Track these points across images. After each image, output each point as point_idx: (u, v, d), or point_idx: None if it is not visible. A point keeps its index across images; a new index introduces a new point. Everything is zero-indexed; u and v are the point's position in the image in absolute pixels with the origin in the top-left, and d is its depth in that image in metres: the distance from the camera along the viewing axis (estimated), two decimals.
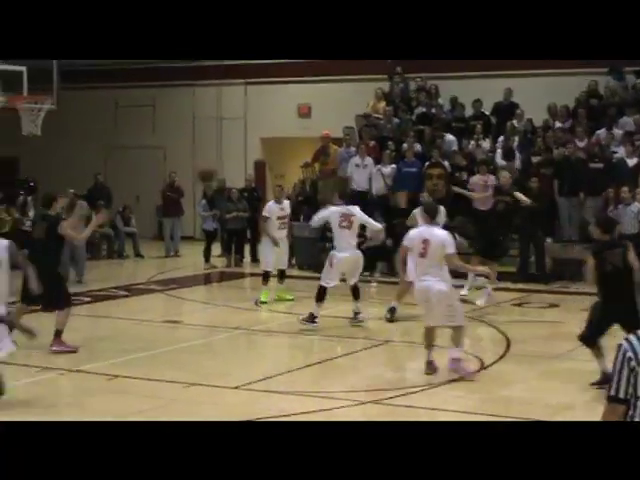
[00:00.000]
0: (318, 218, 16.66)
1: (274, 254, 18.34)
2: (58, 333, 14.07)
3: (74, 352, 13.93)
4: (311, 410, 10.74)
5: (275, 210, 18.46)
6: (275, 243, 18.17)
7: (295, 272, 22.58)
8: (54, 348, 13.97)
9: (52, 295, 13.70)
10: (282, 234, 18.49)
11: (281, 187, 19.76)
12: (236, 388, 11.84)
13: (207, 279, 23.56)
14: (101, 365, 13.18)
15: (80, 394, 11.89)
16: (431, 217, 12.79)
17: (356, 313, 16.16)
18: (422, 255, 12.35)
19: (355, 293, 16.18)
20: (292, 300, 18.36)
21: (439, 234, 12.46)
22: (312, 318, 15.67)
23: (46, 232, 14.22)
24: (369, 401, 11.40)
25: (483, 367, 13.09)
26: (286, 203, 18.84)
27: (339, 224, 16.00)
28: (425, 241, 12.34)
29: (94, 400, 11.44)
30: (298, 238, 23.03)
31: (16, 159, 31.08)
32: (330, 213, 16.23)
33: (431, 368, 12.57)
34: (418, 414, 10.74)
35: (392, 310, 16.47)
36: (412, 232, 12.82)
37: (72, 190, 22.48)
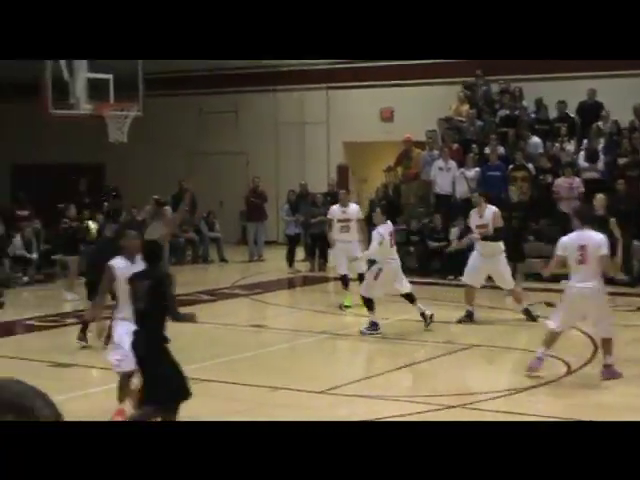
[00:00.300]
0: (374, 250, 15.98)
1: (344, 257, 18.39)
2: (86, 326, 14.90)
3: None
4: (396, 414, 10.72)
5: (337, 213, 18.72)
6: (330, 244, 18.37)
7: None
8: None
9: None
10: (344, 237, 18.53)
11: (347, 192, 19.98)
12: (322, 392, 11.86)
13: (291, 283, 23.65)
14: (187, 369, 13.22)
15: None
16: (583, 222, 12.44)
17: (423, 315, 16.06)
18: (581, 262, 12.08)
19: (410, 298, 16.14)
20: (349, 307, 18.24)
21: (595, 237, 12.18)
22: (374, 326, 15.67)
23: (115, 234, 14.86)
24: (454, 405, 11.34)
25: (570, 371, 12.94)
26: (352, 207, 18.82)
27: (390, 243, 15.89)
28: (582, 247, 12.09)
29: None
30: None
31: (102, 166, 31.55)
32: (383, 236, 15.79)
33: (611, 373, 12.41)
34: (504, 418, 10.66)
35: (470, 315, 16.49)
36: (565, 240, 12.47)
37: (156, 196, 22.73)
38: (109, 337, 13.78)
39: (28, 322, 17.74)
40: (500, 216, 16.58)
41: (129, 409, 10.19)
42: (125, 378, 10.49)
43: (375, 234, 15.77)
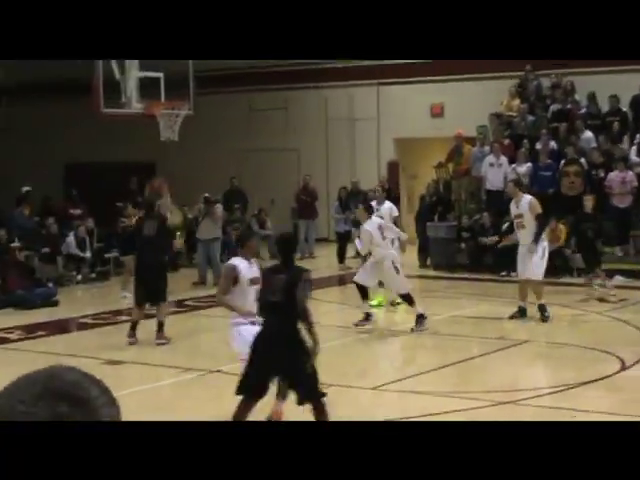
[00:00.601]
0: (363, 244, 16.14)
1: None
2: (162, 326, 14.93)
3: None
4: (449, 410, 10.70)
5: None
6: None
7: (430, 272, 22.51)
8: (162, 341, 14.80)
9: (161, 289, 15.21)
10: None
11: (379, 190, 19.96)
12: (374, 389, 11.86)
13: (341, 280, 23.64)
14: (235, 366, 13.32)
15: (219, 394, 12.05)
16: None
17: (368, 315, 16.05)
18: None
19: (363, 291, 16.19)
20: (380, 306, 18.12)
21: None
22: (421, 318, 15.58)
23: (156, 230, 15.34)
24: (507, 402, 11.29)
25: (624, 367, 12.82)
26: (387, 206, 18.71)
27: (382, 236, 15.83)
28: None
29: (233, 400, 11.58)
30: (433, 239, 22.97)
31: (153, 164, 31.73)
32: (371, 230, 15.79)
33: None
34: (557, 415, 10.59)
35: (522, 311, 16.26)
36: None
37: (206, 194, 22.88)
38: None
39: (82, 320, 17.90)
40: (537, 204, 16.19)
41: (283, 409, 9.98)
42: None
43: (363, 233, 15.85)
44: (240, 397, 9.58)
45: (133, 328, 15.07)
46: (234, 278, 10.40)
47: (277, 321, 9.34)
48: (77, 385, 1.76)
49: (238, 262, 10.50)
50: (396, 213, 18.85)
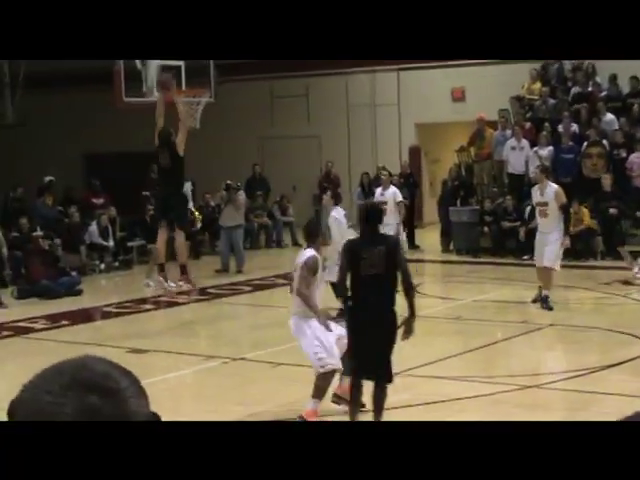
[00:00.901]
0: (337, 235, 15.41)
1: None
2: (184, 269, 15.24)
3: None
4: (471, 395, 10.73)
5: (376, 196, 18.94)
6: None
7: (453, 257, 22.51)
8: (182, 283, 15.25)
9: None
10: (384, 220, 18.53)
11: (389, 175, 20.21)
12: (398, 374, 11.88)
13: None
14: (264, 353, 13.41)
15: (243, 382, 12.13)
16: None
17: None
18: None
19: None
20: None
21: None
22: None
23: (170, 160, 17.53)
24: (531, 386, 11.32)
25: None
26: (390, 191, 18.81)
27: (347, 225, 15.62)
28: None
29: (256, 387, 11.66)
30: (455, 223, 22.95)
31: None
32: (339, 221, 15.57)
33: None
34: (581, 398, 10.61)
35: (545, 299, 15.85)
36: None
37: (229, 181, 22.92)
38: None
39: (106, 309, 17.99)
40: (563, 194, 16.00)
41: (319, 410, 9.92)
42: (329, 377, 10.05)
43: (331, 220, 15.48)
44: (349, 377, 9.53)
45: (162, 269, 17.36)
46: (316, 270, 10.07)
47: (378, 294, 9.16)
48: (107, 376, 1.74)
49: (312, 252, 10.15)
50: (399, 198, 18.85)
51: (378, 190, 19.21)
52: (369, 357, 9.28)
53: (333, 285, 13.79)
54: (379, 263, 9.09)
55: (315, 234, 10.49)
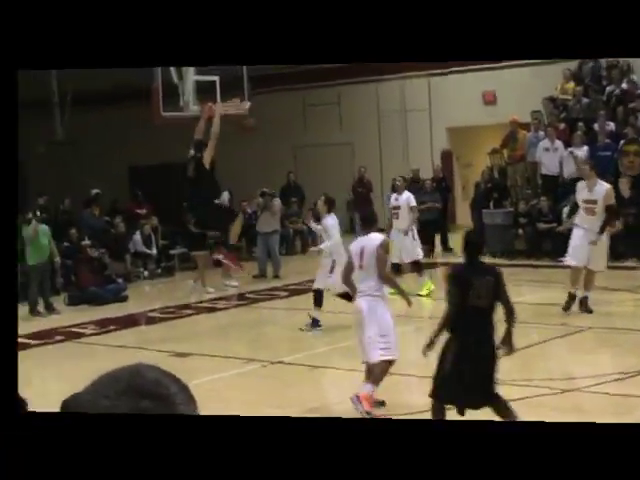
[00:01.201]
0: (337, 240, 15.55)
1: (399, 245, 18.27)
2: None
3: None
4: (510, 399, 10.70)
5: (391, 200, 19.15)
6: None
7: (487, 260, 22.43)
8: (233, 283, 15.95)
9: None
10: (395, 224, 18.74)
11: (401, 180, 20.09)
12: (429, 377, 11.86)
13: (399, 270, 23.63)
14: (301, 356, 13.50)
15: (282, 385, 12.18)
16: None
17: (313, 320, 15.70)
18: None
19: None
20: (427, 296, 18.01)
21: None
22: (316, 323, 15.53)
23: (195, 172, 17.77)
24: (570, 389, 11.25)
25: None
26: (404, 196, 18.78)
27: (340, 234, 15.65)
28: None
29: (294, 390, 11.71)
30: (489, 226, 22.91)
31: (212, 162, 31.91)
32: (334, 223, 15.58)
33: None
34: (624, 402, 10.54)
35: (585, 301, 15.62)
36: None
37: (265, 189, 23.15)
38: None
39: (150, 314, 18.41)
40: (613, 194, 15.65)
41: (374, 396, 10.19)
42: (387, 366, 10.37)
43: (330, 226, 15.37)
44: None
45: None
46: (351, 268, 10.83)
47: (482, 328, 8.83)
48: (158, 383, 1.85)
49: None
50: (413, 203, 18.82)
51: (393, 195, 19.27)
52: (473, 388, 8.96)
53: (340, 296, 13.91)
54: (485, 296, 8.74)
55: (374, 221, 11.14)
